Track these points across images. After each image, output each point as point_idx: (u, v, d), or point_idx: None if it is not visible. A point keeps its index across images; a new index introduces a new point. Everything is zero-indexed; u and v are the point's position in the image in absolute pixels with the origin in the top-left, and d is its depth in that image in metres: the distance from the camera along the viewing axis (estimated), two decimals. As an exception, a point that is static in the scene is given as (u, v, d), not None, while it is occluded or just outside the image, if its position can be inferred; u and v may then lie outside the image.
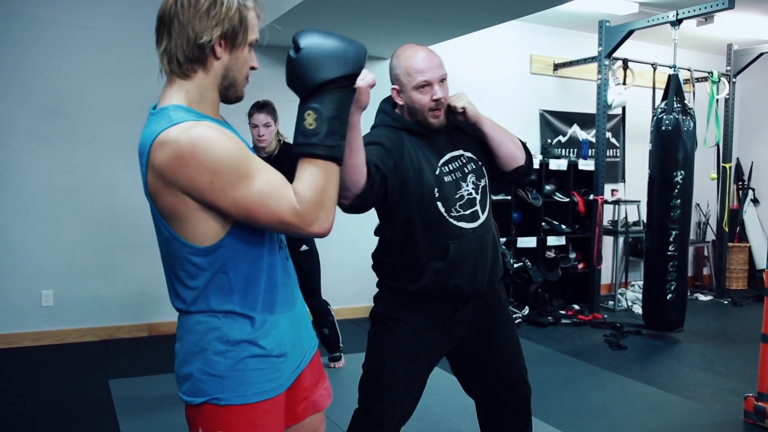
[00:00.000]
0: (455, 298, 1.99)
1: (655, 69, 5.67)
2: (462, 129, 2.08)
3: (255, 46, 1.33)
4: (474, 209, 1.99)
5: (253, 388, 1.30)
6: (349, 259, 5.29)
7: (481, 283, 2.01)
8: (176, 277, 1.30)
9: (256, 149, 3.52)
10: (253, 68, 1.34)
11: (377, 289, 2.11)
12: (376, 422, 1.99)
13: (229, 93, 1.33)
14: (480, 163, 2.05)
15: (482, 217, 2.01)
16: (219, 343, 1.28)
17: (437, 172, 1.96)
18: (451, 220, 1.95)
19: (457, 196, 1.97)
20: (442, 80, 1.96)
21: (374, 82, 1.56)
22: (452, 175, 1.98)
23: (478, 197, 2.01)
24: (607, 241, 6.52)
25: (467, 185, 1.99)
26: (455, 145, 2.03)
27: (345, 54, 1.27)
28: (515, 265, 5.68)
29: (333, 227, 1.26)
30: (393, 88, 2.00)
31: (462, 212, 1.97)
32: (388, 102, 2.06)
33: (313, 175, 1.23)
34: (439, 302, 1.99)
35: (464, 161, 2.02)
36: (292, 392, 1.43)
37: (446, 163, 1.99)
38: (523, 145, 2.12)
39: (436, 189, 1.94)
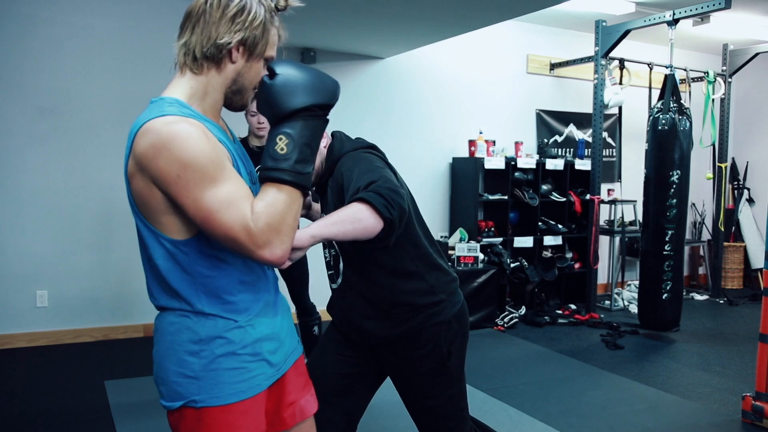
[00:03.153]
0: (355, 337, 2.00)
1: (651, 69, 5.68)
2: (334, 190, 1.89)
3: (268, 62, 1.36)
4: (331, 272, 2.01)
5: (229, 389, 1.30)
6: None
7: (359, 337, 1.96)
8: (148, 270, 1.33)
9: (249, 140, 3.48)
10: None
11: None
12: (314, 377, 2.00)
13: (235, 99, 1.35)
14: None
15: (340, 280, 1.96)
16: (191, 343, 1.29)
17: None
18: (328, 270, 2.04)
19: (325, 258, 2.04)
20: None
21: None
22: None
23: (337, 260, 1.97)
24: (604, 240, 6.53)
25: (329, 250, 2.01)
26: (325, 208, 2.01)
27: (320, 84, 1.28)
28: (512, 265, 5.68)
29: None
30: None
31: (329, 272, 2.02)
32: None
33: (276, 199, 1.21)
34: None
35: None
36: (277, 397, 1.42)
37: None
38: (378, 204, 1.60)
39: None
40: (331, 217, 1.54)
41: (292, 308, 3.83)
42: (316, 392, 1.60)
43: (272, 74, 1.27)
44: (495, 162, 5.67)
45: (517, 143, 5.93)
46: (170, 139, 1.17)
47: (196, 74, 1.30)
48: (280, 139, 1.23)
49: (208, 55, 1.28)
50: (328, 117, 1.31)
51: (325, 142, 1.91)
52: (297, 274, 3.73)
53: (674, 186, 4.87)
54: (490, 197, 5.76)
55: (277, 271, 4.24)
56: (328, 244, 1.98)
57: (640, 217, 5.99)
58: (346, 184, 1.76)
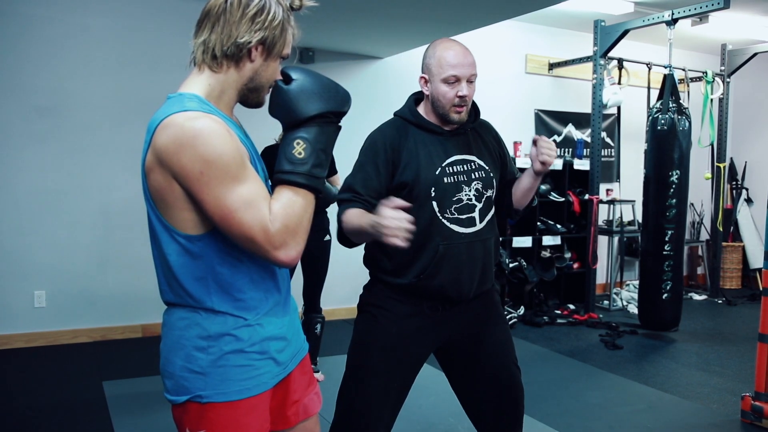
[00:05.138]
0: (439, 298, 1.99)
1: (650, 69, 5.68)
2: (483, 138, 2.10)
3: (284, 60, 1.38)
4: (471, 215, 1.98)
5: (235, 386, 1.30)
6: (345, 258, 5.25)
7: (468, 290, 1.99)
8: (160, 265, 1.33)
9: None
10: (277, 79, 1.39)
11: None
12: (353, 411, 1.97)
13: (251, 96, 1.37)
14: (491, 175, 2.04)
15: (479, 225, 1.99)
16: (199, 339, 1.30)
17: (437, 172, 1.96)
18: (443, 220, 1.95)
19: (455, 199, 1.97)
20: (471, 80, 2.00)
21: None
22: (454, 177, 1.97)
23: (479, 205, 2.00)
24: (602, 240, 6.52)
25: (469, 190, 1.98)
26: (469, 149, 2.03)
27: (334, 92, 1.31)
28: (511, 265, 5.68)
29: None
30: (421, 77, 2.03)
31: (457, 215, 1.96)
32: (413, 96, 2.11)
33: (292, 201, 1.23)
34: (424, 300, 1.99)
35: (473, 167, 2.01)
36: (282, 395, 1.43)
37: (451, 165, 1.98)
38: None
39: (433, 188, 1.94)
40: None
41: (300, 303, 3.85)
42: (399, 382, 1.96)
43: (287, 80, 1.30)
44: (494, 162, 5.66)
45: (515, 143, 5.93)
46: (194, 136, 1.18)
47: (215, 72, 1.31)
48: (298, 144, 1.25)
49: (228, 53, 1.29)
50: (340, 125, 1.33)
51: None
52: (318, 272, 3.80)
53: (674, 186, 4.87)
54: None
55: (300, 266, 4.26)
56: (483, 185, 2.01)
57: (638, 217, 5.99)
58: (507, 153, 2.17)
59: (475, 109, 2.11)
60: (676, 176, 4.87)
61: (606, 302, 6.22)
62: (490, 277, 2.08)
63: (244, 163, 1.23)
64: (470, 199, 1.98)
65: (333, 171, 3.85)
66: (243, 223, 1.19)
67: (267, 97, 1.40)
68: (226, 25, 1.28)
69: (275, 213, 1.21)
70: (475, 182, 1.99)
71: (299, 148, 1.25)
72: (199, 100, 1.27)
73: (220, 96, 1.32)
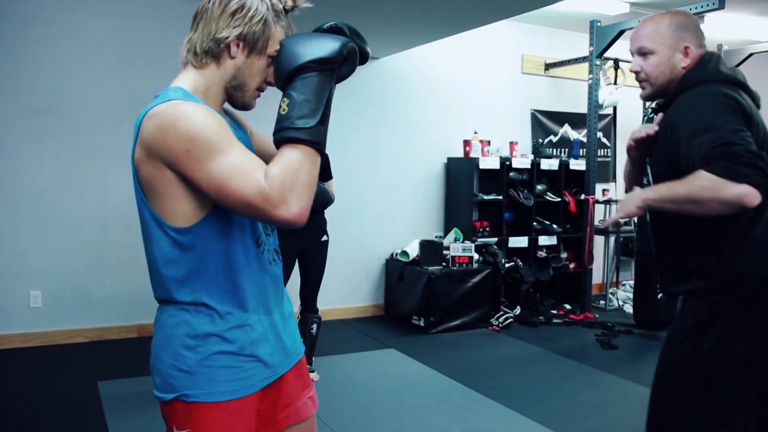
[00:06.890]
0: None
1: (645, 69, 5.68)
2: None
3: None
4: None
5: (222, 387, 1.31)
6: (341, 259, 5.27)
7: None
8: (152, 261, 1.34)
9: None
10: (269, 83, 1.38)
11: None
12: None
13: (236, 95, 1.37)
14: (653, 160, 1.98)
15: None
16: (188, 337, 1.30)
17: None
18: None
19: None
20: (641, 52, 1.87)
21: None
22: None
23: None
24: (599, 240, 6.53)
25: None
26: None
27: (317, 42, 1.27)
28: (507, 265, 5.69)
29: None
30: None
31: None
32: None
33: (287, 157, 1.22)
34: None
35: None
36: (273, 398, 1.42)
37: None
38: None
39: None
40: (674, 189, 1.56)
41: (296, 304, 3.85)
42: None
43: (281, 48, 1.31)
44: (490, 162, 5.68)
45: (512, 143, 5.93)
46: (176, 118, 1.21)
47: (197, 68, 1.34)
48: (282, 102, 1.25)
49: (206, 49, 1.32)
50: (332, 70, 1.27)
51: (687, 62, 1.80)
52: (316, 273, 3.82)
53: (669, 186, 4.87)
54: (485, 197, 5.76)
55: (297, 266, 4.23)
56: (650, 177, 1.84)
57: (634, 217, 6.00)
58: (675, 133, 1.67)
59: (681, 85, 1.80)
60: (672, 176, 4.87)
61: (602, 302, 6.23)
62: (674, 274, 1.85)
63: (229, 136, 1.24)
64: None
65: (328, 176, 3.82)
66: (237, 188, 1.18)
67: (256, 101, 1.40)
68: (207, 23, 1.32)
69: (272, 174, 1.19)
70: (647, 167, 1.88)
71: (283, 105, 1.24)
72: (184, 92, 1.30)
73: (206, 92, 1.34)
